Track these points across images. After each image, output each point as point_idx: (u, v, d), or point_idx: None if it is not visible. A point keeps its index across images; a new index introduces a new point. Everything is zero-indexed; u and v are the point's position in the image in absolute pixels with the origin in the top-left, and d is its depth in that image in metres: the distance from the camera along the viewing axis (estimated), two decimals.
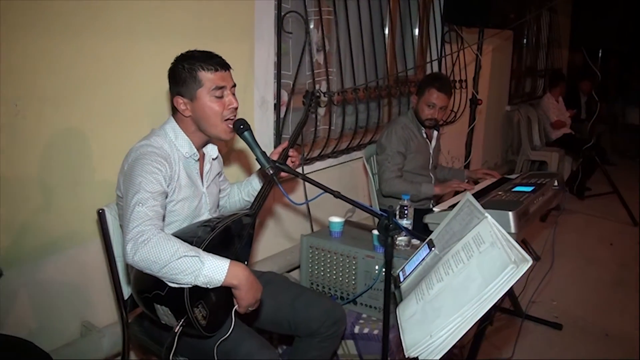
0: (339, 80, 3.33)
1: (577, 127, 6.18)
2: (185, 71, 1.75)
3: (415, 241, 2.31)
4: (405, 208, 2.26)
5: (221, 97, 1.78)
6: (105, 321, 2.18)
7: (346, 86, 3.32)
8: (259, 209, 1.97)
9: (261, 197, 2.00)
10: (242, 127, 1.78)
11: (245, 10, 2.61)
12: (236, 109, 1.81)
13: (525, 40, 6.36)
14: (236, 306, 1.66)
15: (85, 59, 1.98)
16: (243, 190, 2.19)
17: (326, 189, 1.78)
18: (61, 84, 1.92)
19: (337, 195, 1.80)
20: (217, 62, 1.77)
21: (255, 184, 2.15)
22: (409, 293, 1.53)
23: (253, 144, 1.76)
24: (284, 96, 3.01)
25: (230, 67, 1.81)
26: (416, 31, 4.19)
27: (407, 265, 1.71)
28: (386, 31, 3.78)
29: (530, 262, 1.23)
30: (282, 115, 2.96)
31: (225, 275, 1.55)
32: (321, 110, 3.30)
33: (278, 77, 2.88)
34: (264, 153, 1.75)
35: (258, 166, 1.85)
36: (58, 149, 1.96)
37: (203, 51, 1.79)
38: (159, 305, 1.61)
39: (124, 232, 1.57)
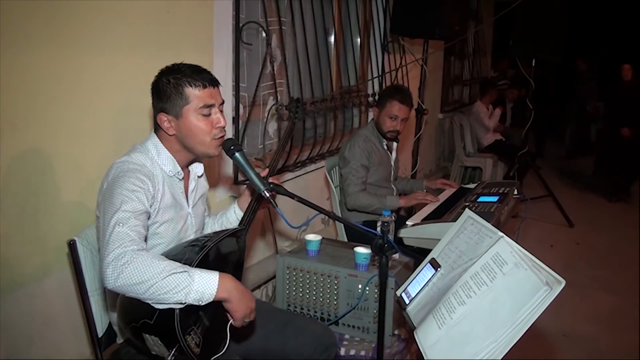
0: (292, 91, 3.25)
1: (506, 133, 6.44)
2: (171, 86, 1.61)
3: (395, 256, 2.28)
4: (386, 224, 2.22)
5: (209, 115, 1.64)
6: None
7: (294, 97, 3.25)
8: (249, 224, 1.85)
9: (251, 212, 1.87)
10: (232, 147, 1.65)
11: (204, 21, 2.49)
12: (224, 127, 1.69)
13: (455, 50, 6.56)
14: (231, 321, 1.55)
15: (44, 73, 1.79)
16: (217, 222, 2.04)
17: (322, 210, 1.71)
18: (18, 100, 1.73)
19: (332, 216, 1.74)
20: (205, 78, 1.63)
21: (230, 217, 2.00)
22: (423, 316, 1.49)
23: (246, 165, 1.65)
24: (240, 109, 2.90)
25: (219, 84, 1.68)
26: (357, 41, 4.19)
27: (410, 286, 1.66)
28: (332, 39, 3.76)
29: (564, 282, 1.22)
30: (240, 128, 2.85)
31: (217, 288, 1.44)
32: (274, 124, 3.22)
33: (237, 89, 2.77)
34: (258, 175, 1.65)
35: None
36: (15, 172, 1.76)
37: (191, 65, 1.65)
38: (148, 335, 1.47)
39: (101, 254, 1.41)
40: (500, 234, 1.45)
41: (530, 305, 1.23)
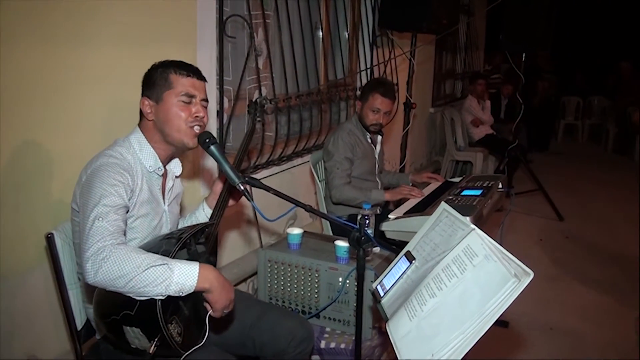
0: (278, 85, 3.25)
1: (497, 127, 6.43)
2: (158, 73, 1.68)
3: (376, 249, 2.28)
4: (366, 217, 2.22)
5: (189, 103, 1.68)
6: (53, 353, 2.00)
7: (281, 91, 3.24)
8: (219, 218, 1.86)
9: (221, 207, 1.88)
10: (207, 140, 1.66)
11: (187, 15, 2.48)
12: (202, 119, 1.70)
13: (447, 44, 6.55)
14: (210, 311, 1.56)
15: (27, 69, 1.79)
16: (186, 223, 2.04)
17: (297, 203, 1.71)
18: None
19: (308, 209, 1.74)
20: (191, 69, 1.70)
21: (200, 216, 2.01)
22: (396, 308, 1.48)
23: (221, 158, 1.65)
24: (225, 103, 2.90)
25: (205, 80, 1.73)
26: (346, 34, 4.18)
27: (386, 279, 1.66)
28: (320, 34, 3.75)
29: (532, 274, 1.22)
30: (224, 122, 2.84)
31: (197, 279, 1.45)
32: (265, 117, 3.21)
33: (220, 83, 2.76)
34: (232, 168, 1.64)
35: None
36: None
37: (182, 60, 1.72)
38: (128, 328, 1.47)
39: (81, 249, 1.43)
40: (472, 226, 1.44)
41: (499, 297, 1.22)
